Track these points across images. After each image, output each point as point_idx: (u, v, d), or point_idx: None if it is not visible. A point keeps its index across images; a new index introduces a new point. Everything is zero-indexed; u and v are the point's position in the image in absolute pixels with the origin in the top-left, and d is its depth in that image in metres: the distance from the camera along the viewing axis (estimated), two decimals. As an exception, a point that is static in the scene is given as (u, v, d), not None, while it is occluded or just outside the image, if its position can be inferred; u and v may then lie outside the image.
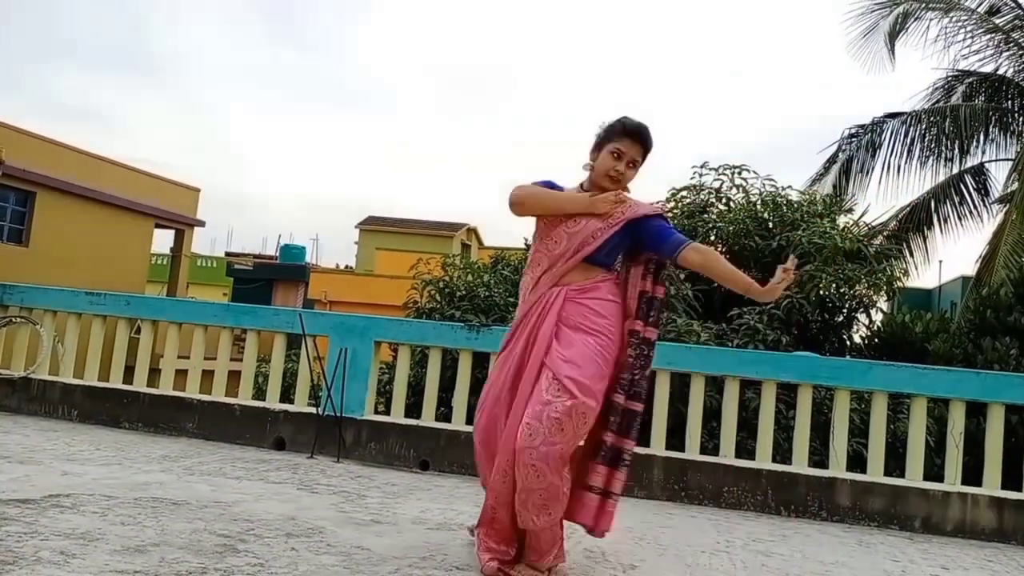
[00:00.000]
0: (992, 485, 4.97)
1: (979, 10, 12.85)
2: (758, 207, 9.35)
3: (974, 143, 12.71)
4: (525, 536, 2.98)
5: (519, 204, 3.08)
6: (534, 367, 2.94)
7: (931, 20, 12.99)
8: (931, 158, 13.00)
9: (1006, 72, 12.96)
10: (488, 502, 2.98)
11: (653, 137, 3.09)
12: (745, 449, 5.78)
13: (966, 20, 12.85)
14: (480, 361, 5.80)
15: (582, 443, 3.02)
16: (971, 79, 13.16)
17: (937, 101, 13.26)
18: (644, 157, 3.10)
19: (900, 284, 9.54)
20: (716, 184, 9.77)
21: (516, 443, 2.82)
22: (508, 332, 3.18)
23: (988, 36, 12.84)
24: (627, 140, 3.05)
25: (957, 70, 13.15)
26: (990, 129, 12.69)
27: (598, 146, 3.10)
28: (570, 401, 2.81)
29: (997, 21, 12.90)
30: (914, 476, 5.03)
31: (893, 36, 13.19)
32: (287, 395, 6.38)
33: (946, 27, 12.78)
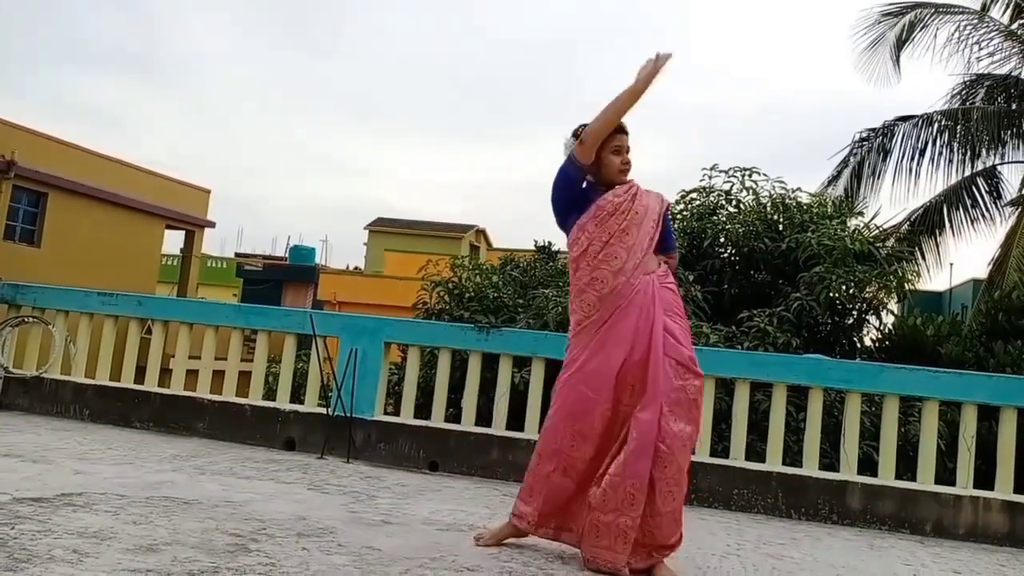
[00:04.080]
0: (1005, 489, 4.93)
1: (1003, 18, 12.80)
2: (768, 209, 9.32)
3: (986, 146, 12.64)
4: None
5: (590, 143, 3.20)
6: (657, 357, 3.09)
7: (938, 28, 12.95)
8: (943, 161, 12.94)
9: (1020, 74, 12.89)
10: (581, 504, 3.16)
11: None
12: (755, 452, 5.76)
13: (978, 24, 12.79)
14: (489, 362, 5.80)
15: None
16: (988, 82, 13.09)
17: (959, 104, 13.19)
18: None
19: (911, 286, 9.49)
20: (726, 186, 9.75)
21: (659, 430, 3.02)
22: (582, 334, 3.23)
23: (1000, 39, 12.77)
24: (618, 135, 3.26)
25: (974, 74, 13.09)
26: (1003, 131, 12.62)
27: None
28: (698, 380, 3.13)
29: (1007, 22, 12.83)
30: (925, 480, 5.01)
31: (900, 46, 13.16)
32: (297, 396, 6.40)
33: (958, 32, 12.72)
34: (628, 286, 3.15)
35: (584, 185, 3.31)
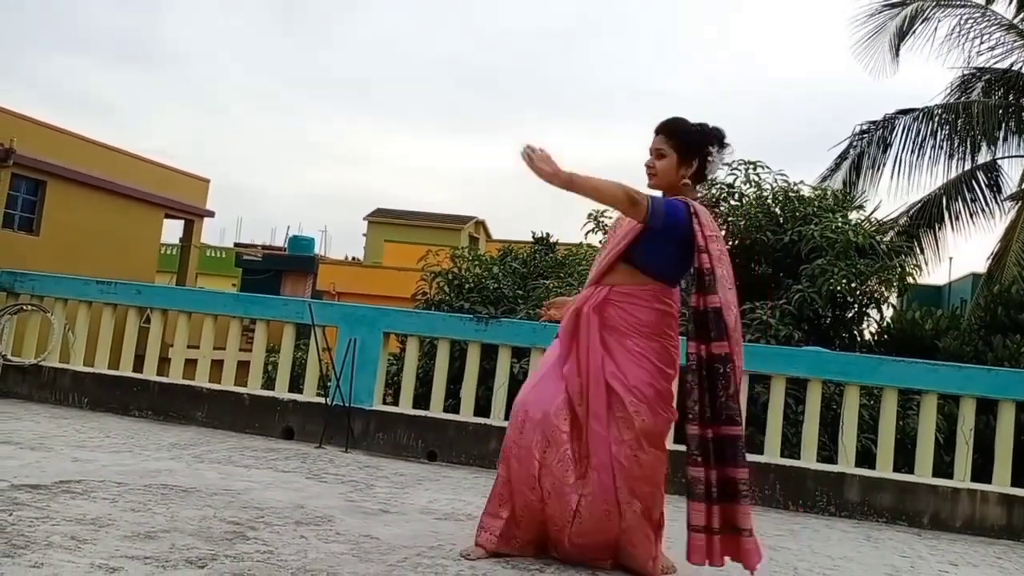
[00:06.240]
0: (1002, 482, 4.94)
1: (1007, 12, 12.75)
2: (769, 202, 9.31)
3: (987, 139, 12.62)
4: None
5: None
6: (598, 381, 2.95)
7: (940, 20, 12.92)
8: (943, 154, 12.91)
9: (1021, 68, 12.86)
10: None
11: (672, 123, 3.12)
12: (753, 444, 5.75)
13: (979, 17, 12.76)
14: (488, 353, 5.80)
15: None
16: (988, 76, 13.06)
17: (959, 98, 13.16)
18: (668, 141, 3.10)
19: (911, 280, 9.50)
20: (729, 179, 9.73)
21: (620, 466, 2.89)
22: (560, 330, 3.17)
23: (1002, 33, 12.74)
24: (653, 138, 3.14)
25: (974, 68, 13.06)
26: (1004, 125, 12.60)
27: None
28: (639, 422, 2.90)
29: (1012, 16, 12.80)
30: (923, 472, 5.02)
31: (901, 37, 13.12)
32: (296, 385, 6.40)
33: (959, 25, 12.69)
34: (580, 298, 3.12)
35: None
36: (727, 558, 2.89)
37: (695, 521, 2.88)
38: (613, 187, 2.90)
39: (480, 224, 36.30)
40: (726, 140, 3.14)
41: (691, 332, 2.96)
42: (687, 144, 3.08)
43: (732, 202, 9.56)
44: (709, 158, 3.12)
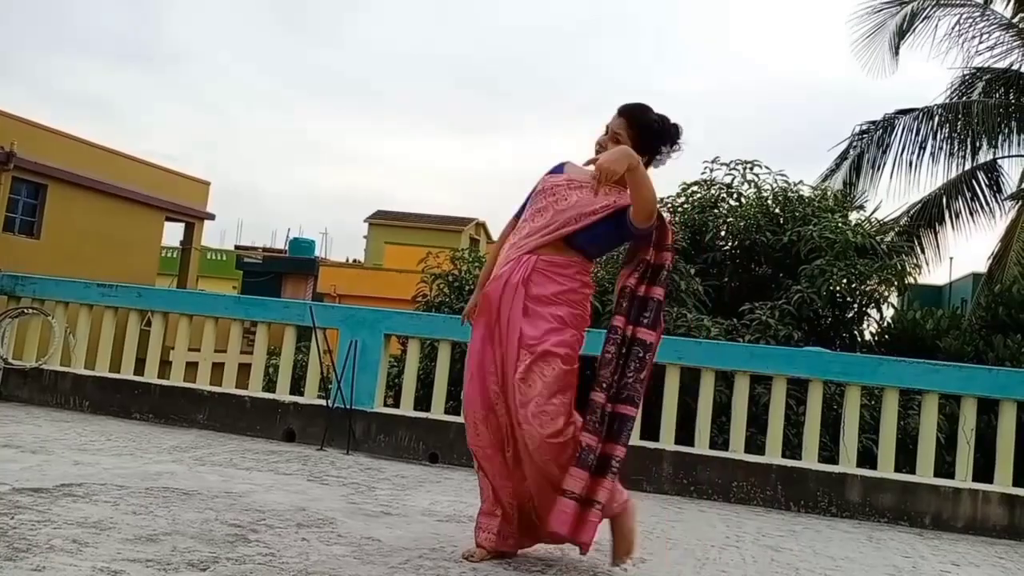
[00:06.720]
0: (1004, 482, 4.94)
1: (1006, 11, 12.76)
2: (769, 202, 9.32)
3: (987, 139, 12.63)
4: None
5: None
6: (515, 349, 2.93)
7: (939, 19, 12.94)
8: (943, 154, 12.93)
9: (1020, 67, 12.87)
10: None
11: (638, 110, 3.07)
12: (754, 444, 5.77)
13: (978, 16, 12.78)
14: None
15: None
16: (988, 75, 13.08)
17: (959, 97, 13.18)
18: (628, 129, 3.03)
19: (911, 280, 9.51)
20: (727, 179, 9.74)
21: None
22: (478, 292, 3.16)
23: (1000, 32, 12.76)
24: (613, 117, 3.09)
25: (974, 67, 13.07)
26: (1004, 125, 12.61)
27: None
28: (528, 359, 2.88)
29: (1010, 15, 12.81)
30: (925, 472, 5.02)
31: (901, 35, 13.14)
32: (297, 387, 6.40)
33: (958, 24, 12.71)
34: (507, 268, 3.04)
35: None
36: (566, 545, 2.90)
37: (570, 486, 2.83)
38: (654, 191, 2.96)
39: (480, 226, 36.34)
40: (680, 139, 3.12)
41: (622, 309, 2.97)
42: (644, 138, 3.05)
43: (731, 202, 9.57)
44: (658, 156, 3.11)
